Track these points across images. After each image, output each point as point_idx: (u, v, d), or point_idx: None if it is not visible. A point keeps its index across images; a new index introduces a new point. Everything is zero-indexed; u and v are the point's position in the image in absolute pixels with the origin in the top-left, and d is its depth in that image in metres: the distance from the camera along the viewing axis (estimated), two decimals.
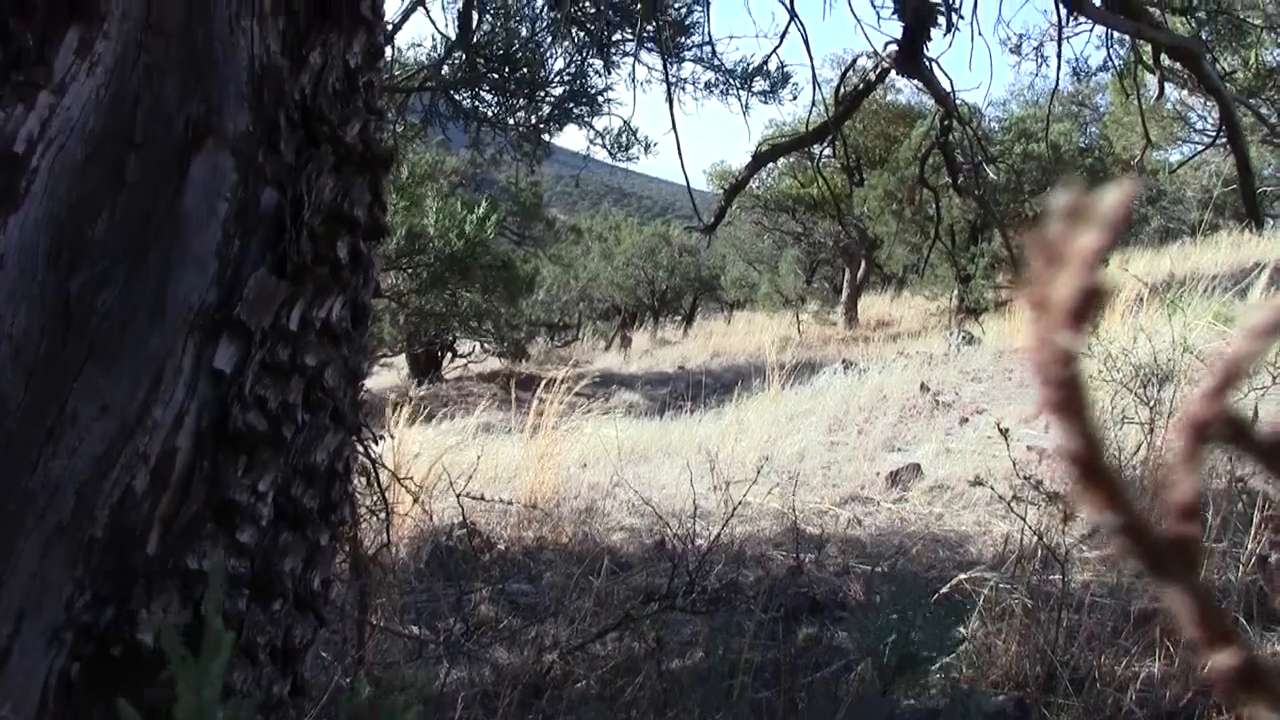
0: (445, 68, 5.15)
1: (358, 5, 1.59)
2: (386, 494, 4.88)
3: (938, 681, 4.19)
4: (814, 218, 23.06)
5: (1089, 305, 0.27)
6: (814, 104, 5.85)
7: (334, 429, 1.61)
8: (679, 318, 28.70)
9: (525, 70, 5.10)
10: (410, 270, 9.80)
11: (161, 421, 1.38)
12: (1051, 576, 4.32)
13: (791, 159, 19.34)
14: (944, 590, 4.43)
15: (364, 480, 3.89)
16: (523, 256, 20.73)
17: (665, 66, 5.45)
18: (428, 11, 4.94)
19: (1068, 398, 0.28)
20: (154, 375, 1.38)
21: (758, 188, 22.69)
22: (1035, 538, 4.47)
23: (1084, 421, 0.29)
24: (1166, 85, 7.48)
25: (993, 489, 5.25)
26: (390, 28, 4.60)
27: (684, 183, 5.63)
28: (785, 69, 6.23)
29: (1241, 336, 0.29)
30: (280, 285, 1.48)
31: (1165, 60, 5.83)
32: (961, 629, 4.25)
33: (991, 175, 7.53)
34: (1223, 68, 7.01)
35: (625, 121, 6.49)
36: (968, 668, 4.21)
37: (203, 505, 1.42)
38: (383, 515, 4.19)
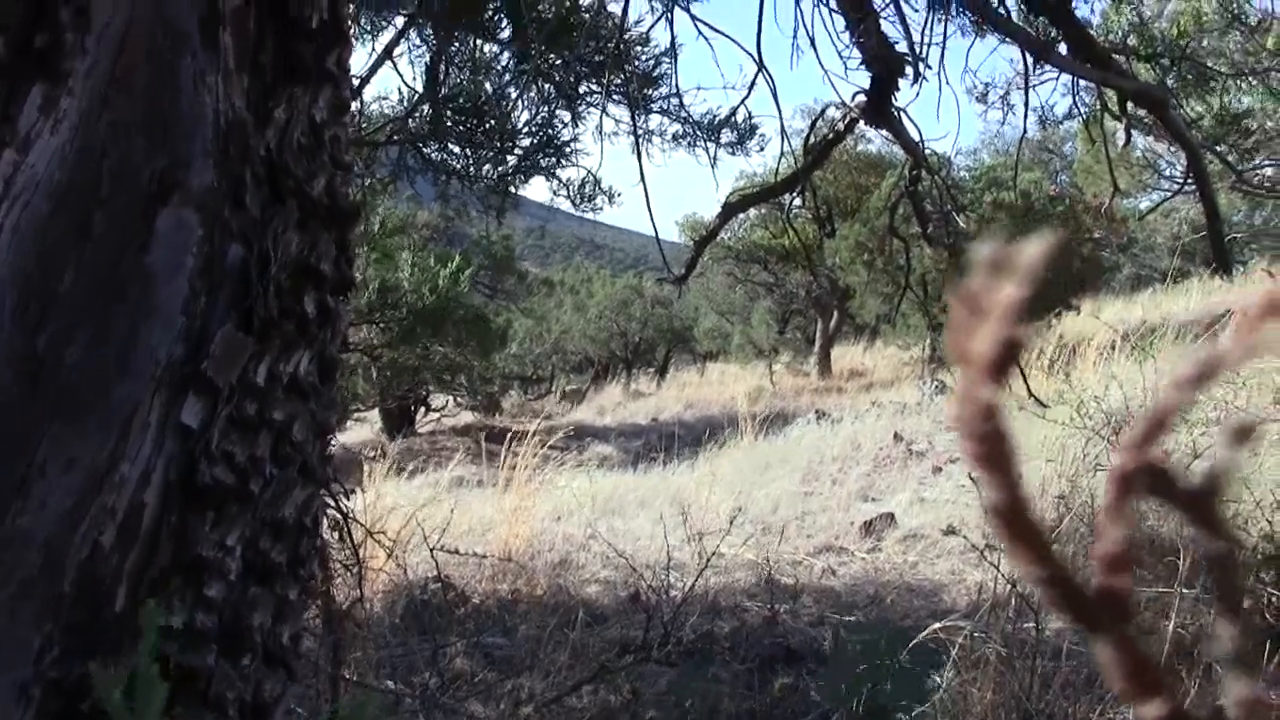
0: (412, 120, 5.18)
1: (323, 60, 1.60)
2: (360, 549, 4.86)
3: None
4: (786, 268, 23.15)
5: (1008, 358, 0.28)
6: (782, 154, 5.90)
7: (302, 483, 1.61)
8: (652, 369, 28.70)
9: (493, 122, 5.13)
10: (382, 324, 9.80)
11: (129, 476, 1.38)
12: (1025, 625, 4.32)
13: (763, 210, 19.43)
14: (918, 639, 4.43)
15: (337, 535, 3.88)
16: (495, 310, 20.74)
17: (633, 118, 5.49)
18: (394, 65, 4.97)
19: (991, 450, 0.29)
20: (121, 430, 1.37)
21: (730, 239, 22.78)
22: (1009, 586, 4.48)
23: (1008, 474, 0.29)
24: (1134, 132, 7.55)
25: (966, 538, 5.27)
26: (357, 81, 4.62)
27: (656, 234, 5.66)
28: (753, 120, 6.28)
29: (1168, 387, 0.30)
30: (247, 340, 1.48)
31: (1131, 107, 5.89)
32: (936, 678, 4.25)
33: (962, 224, 7.58)
34: (1188, 115, 7.09)
35: (590, 172, 6.52)
36: (943, 716, 4.21)
37: (171, 560, 1.41)
38: (356, 570, 4.17)
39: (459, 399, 19.27)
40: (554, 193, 6.58)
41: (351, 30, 4.80)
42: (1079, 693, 4.08)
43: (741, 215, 21.02)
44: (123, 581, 1.37)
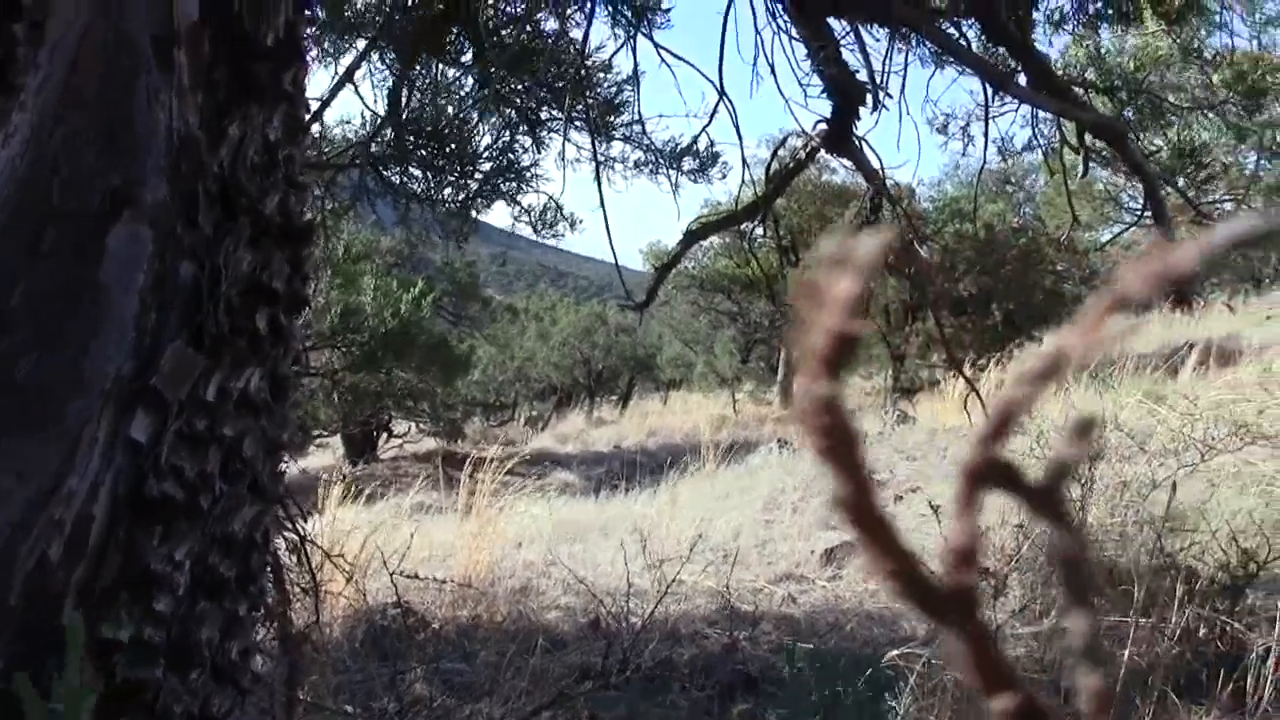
0: (374, 144, 5.17)
1: (279, 80, 1.61)
2: (318, 573, 4.84)
3: None
4: (749, 298, 23.20)
5: (843, 350, 0.28)
6: (744, 182, 5.94)
7: (252, 499, 1.61)
8: (615, 397, 28.68)
9: (453, 146, 5.13)
10: (344, 349, 9.76)
11: (77, 490, 1.38)
12: None
13: (726, 239, 19.49)
14: (877, 667, 4.44)
15: (295, 557, 3.86)
16: (459, 336, 20.68)
17: (594, 145, 5.50)
18: (355, 89, 4.97)
19: (835, 443, 0.29)
20: (70, 444, 1.37)
21: (693, 268, 22.82)
22: None
23: (852, 466, 0.30)
24: (1094, 165, 7.63)
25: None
26: (318, 104, 4.62)
27: (622, 262, 5.67)
28: (714, 148, 6.30)
29: (1015, 382, 0.30)
30: (197, 357, 1.48)
31: (1089, 139, 5.94)
32: (894, 705, 4.26)
33: (924, 254, 7.63)
34: (1146, 148, 7.16)
35: (551, 198, 6.53)
36: None
37: (118, 574, 1.41)
38: (312, 592, 4.15)
39: (421, 425, 19.20)
40: (515, 219, 6.58)
41: (312, 52, 4.80)
42: None
43: (706, 244, 21.10)
44: (70, 594, 1.37)
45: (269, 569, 2.98)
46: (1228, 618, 4.52)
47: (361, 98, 5.52)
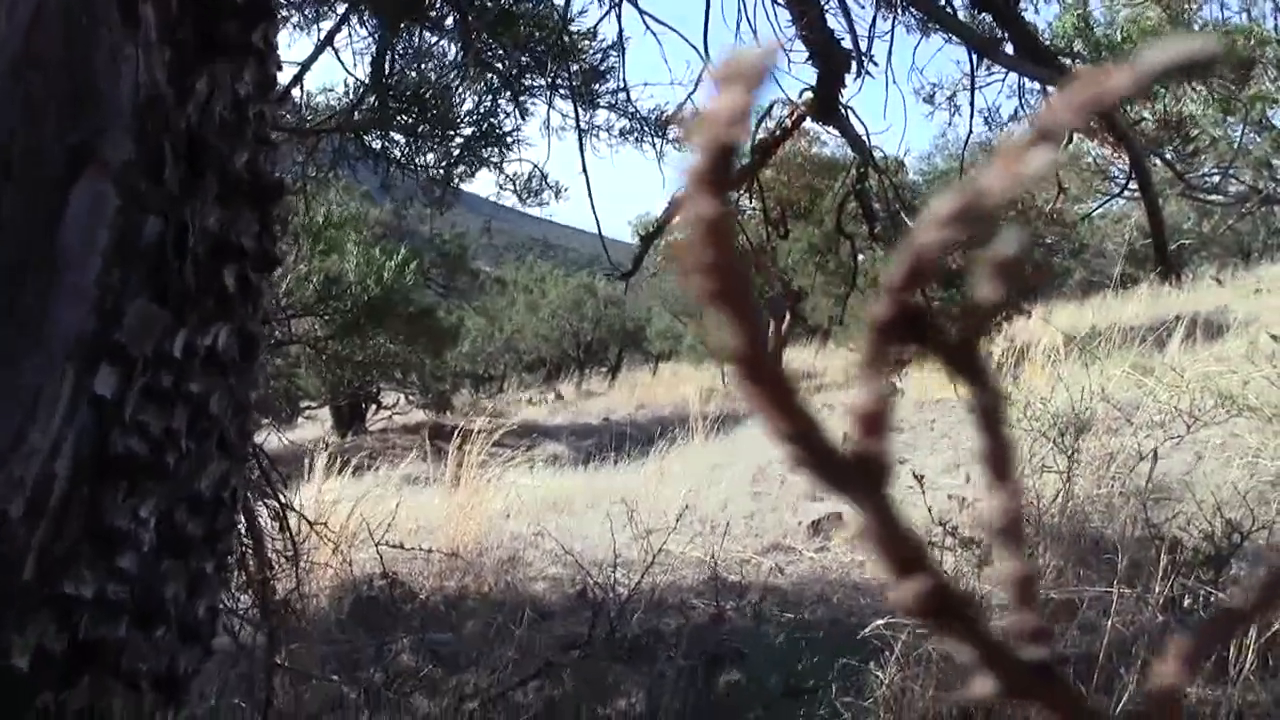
0: (358, 112, 5.14)
1: (248, 35, 1.59)
2: (304, 543, 4.84)
3: None
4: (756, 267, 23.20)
5: (723, 167, 0.26)
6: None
7: (220, 457, 1.60)
8: (604, 369, 28.65)
9: (434, 111, 5.10)
10: (326, 316, 9.68)
11: (38, 448, 1.37)
12: None
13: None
14: (861, 636, 4.46)
15: (277, 525, 3.86)
16: (448, 308, 20.64)
17: (576, 112, 5.48)
18: (337, 53, 4.94)
19: (725, 286, 0.26)
20: (30, 402, 1.36)
21: (683, 239, 22.80)
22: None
23: (745, 314, 0.27)
24: (1080, 137, 7.62)
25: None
26: (297, 68, 4.59)
27: (610, 235, 5.66)
28: (700, 116, 6.25)
29: (926, 226, 0.28)
30: (163, 313, 1.47)
31: None
32: (879, 675, 4.28)
33: (910, 224, 7.60)
34: (1132, 118, 7.17)
35: (536, 166, 6.50)
36: (885, 712, 4.23)
37: (81, 531, 1.40)
38: (293, 559, 4.16)
39: (410, 397, 19.18)
40: (500, 186, 6.56)
41: (294, 18, 4.77)
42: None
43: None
44: (31, 552, 1.36)
45: (247, 535, 2.98)
46: (1211, 588, 4.54)
47: (342, 63, 5.48)
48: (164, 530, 1.51)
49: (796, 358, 24.30)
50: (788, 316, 23.34)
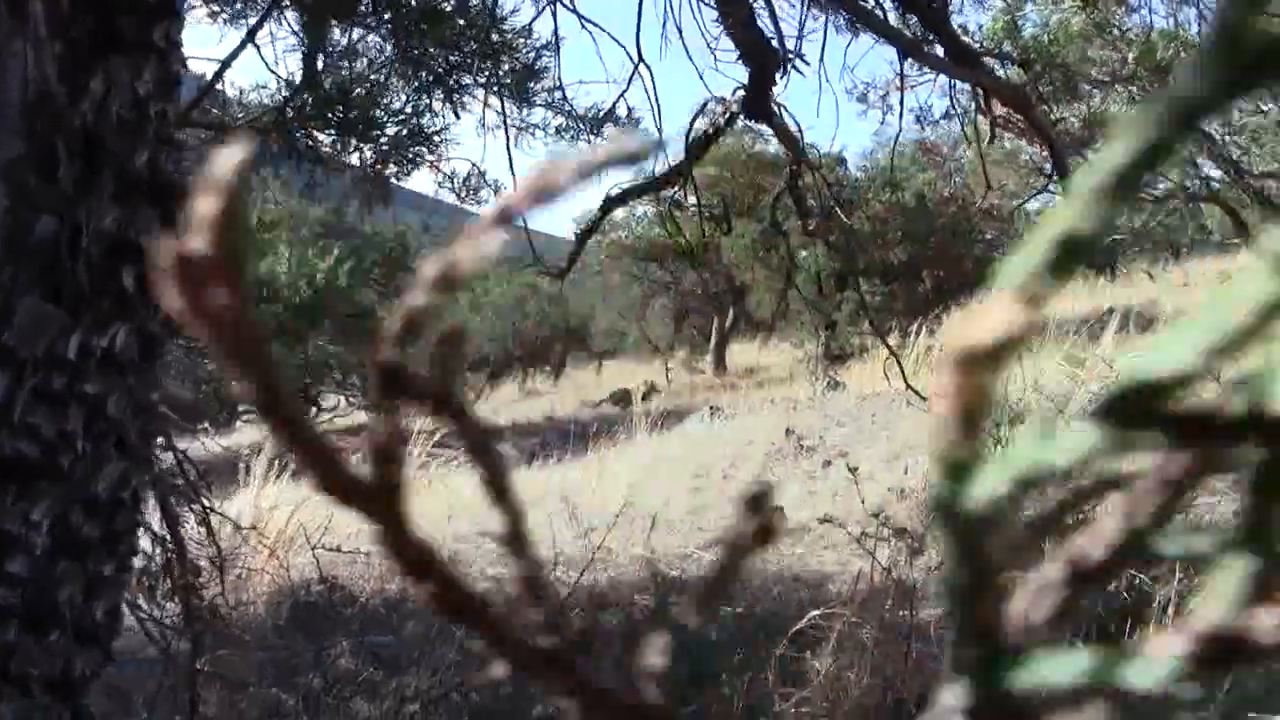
0: (289, 109, 5.11)
1: (148, 32, 1.57)
2: (237, 548, 4.80)
3: (792, 716, 4.25)
4: (682, 266, 23.19)
5: (232, 250, 0.26)
6: (661, 148, 5.91)
7: (118, 458, 1.57)
8: (548, 368, 28.63)
9: (361, 110, 5.08)
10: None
11: None
12: (901, 611, 4.41)
13: (660, 208, 19.51)
14: (799, 626, 4.50)
15: (204, 531, 3.83)
16: (389, 307, 20.54)
17: (504, 111, 5.48)
18: (259, 50, 4.90)
19: (241, 340, 0.27)
20: None
21: (626, 237, 22.80)
22: (885, 573, 4.58)
23: (264, 366, 0.28)
24: (1010, 136, 7.74)
25: (841, 526, 5.34)
26: (218, 65, 4.54)
27: (555, 233, 5.68)
28: (634, 114, 6.30)
29: (414, 289, 0.30)
30: (57, 313, 1.45)
31: (1001, 109, 6.01)
32: (816, 664, 4.32)
33: (845, 220, 7.67)
34: (1058, 118, 7.28)
35: (474, 164, 6.50)
36: (822, 701, 4.28)
37: None
38: (230, 567, 4.13)
39: (350, 399, 19.09)
40: (439, 185, 6.55)
41: (221, 11, 4.73)
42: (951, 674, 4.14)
43: (638, 213, 21.08)
44: None
45: (171, 541, 2.95)
46: (1135, 570, 4.62)
47: (265, 60, 5.45)
48: (59, 533, 1.48)
49: (741, 352, 24.39)
50: (731, 312, 23.42)
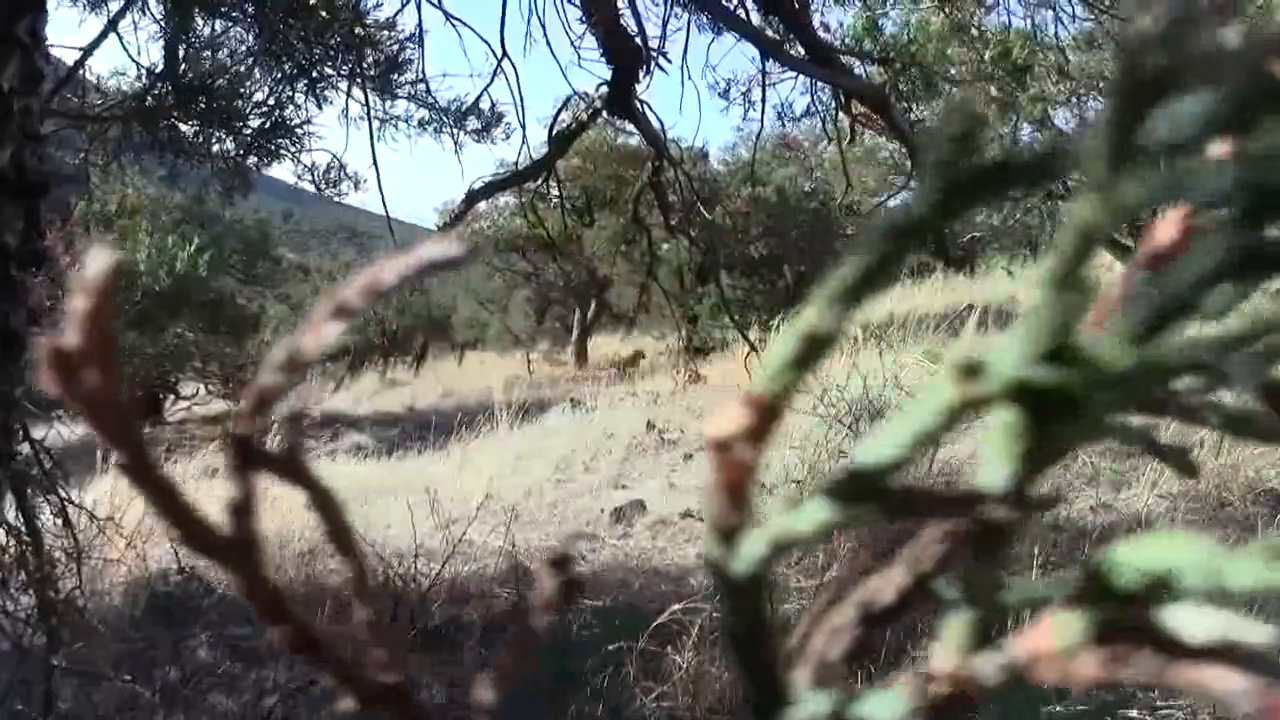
0: (150, 98, 5.03)
1: (11, 28, 1.56)
2: (93, 539, 4.72)
3: (654, 710, 4.29)
4: (545, 258, 23.15)
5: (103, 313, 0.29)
6: (524, 143, 5.97)
7: None
8: (409, 358, 28.38)
9: (223, 101, 5.02)
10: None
11: None
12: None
13: (521, 199, 19.44)
14: (659, 621, 4.54)
15: (61, 521, 3.77)
16: (248, 295, 20.25)
17: (367, 104, 5.46)
18: (121, 39, 4.82)
19: (105, 411, 0.30)
20: None
21: (488, 228, 22.69)
22: None
23: (126, 432, 0.31)
24: (871, 133, 7.90)
25: (701, 520, 5.42)
26: (79, 53, 4.47)
27: (419, 222, 5.67)
28: (497, 108, 6.31)
29: (265, 369, 0.33)
30: None
31: (860, 108, 6.14)
32: (677, 659, 4.37)
33: (707, 216, 7.77)
34: (916, 116, 7.45)
35: (335, 156, 6.47)
36: (683, 695, 4.32)
37: None
38: (87, 559, 4.06)
39: (210, 387, 18.73)
40: (299, 177, 6.50)
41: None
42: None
43: (501, 204, 20.98)
44: None
45: (26, 533, 2.91)
46: None
47: (126, 48, 5.36)
48: None
49: (603, 345, 24.42)
50: (594, 304, 23.45)
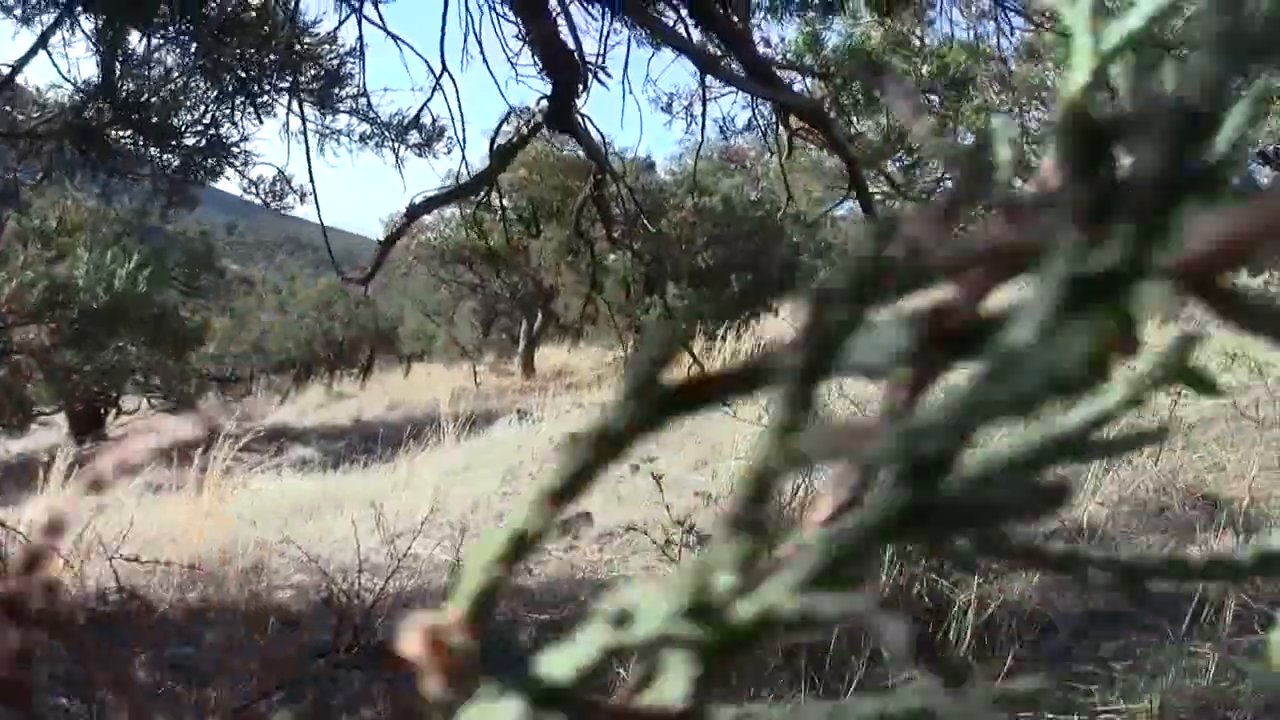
0: (87, 113, 5.00)
1: None
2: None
3: None
4: (491, 269, 23.10)
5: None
6: (463, 159, 6.00)
7: None
8: (356, 370, 28.24)
9: (158, 119, 5.00)
10: (53, 324, 9.28)
11: None
12: None
13: (467, 211, 19.41)
14: None
15: None
16: (192, 308, 20.09)
17: (303, 119, 5.46)
18: (50, 55, 4.78)
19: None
20: None
21: (435, 239, 22.61)
22: None
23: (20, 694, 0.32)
24: (812, 146, 7.98)
25: (645, 533, 5.42)
26: (8, 70, 4.43)
27: (365, 234, 5.67)
28: (438, 123, 6.33)
29: (39, 531, 0.34)
30: None
31: (798, 122, 6.20)
32: (620, 671, 4.38)
33: (650, 229, 7.80)
34: (856, 130, 7.52)
35: (280, 170, 6.47)
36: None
37: None
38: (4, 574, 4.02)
39: (153, 401, 18.56)
40: (244, 190, 6.49)
41: (14, 8, 4.60)
42: (751, 680, 4.26)
43: (447, 215, 20.94)
44: None
45: None
46: (936, 575, 4.79)
47: (57, 66, 5.30)
48: None
49: (550, 356, 24.40)
50: (540, 315, 23.43)
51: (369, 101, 6.02)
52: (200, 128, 5.34)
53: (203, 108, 5.42)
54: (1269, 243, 0.24)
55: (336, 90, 5.83)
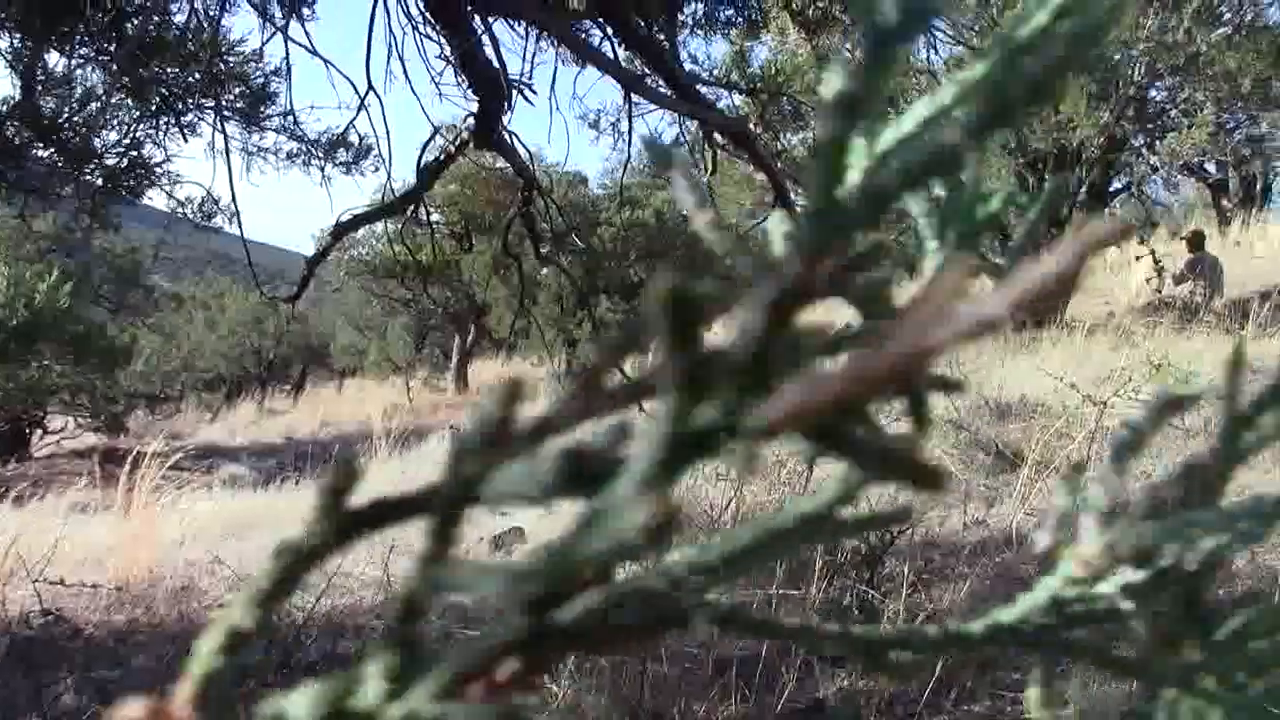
0: (7, 130, 4.95)
1: None
2: None
3: None
4: (422, 284, 23.05)
5: None
6: (389, 177, 6.00)
7: None
8: (287, 387, 28.06)
9: (77, 139, 4.97)
10: None
11: None
12: None
13: (398, 226, 19.35)
14: None
15: None
16: (119, 325, 19.88)
17: (225, 135, 5.44)
18: None
19: None
20: None
21: (366, 254, 22.53)
22: None
23: None
24: (738, 161, 8.06)
25: None
26: None
27: (294, 250, 5.65)
28: (366, 140, 6.33)
29: None
30: None
31: (723, 139, 6.26)
32: (553, 686, 4.39)
33: (580, 243, 7.84)
34: (783, 145, 7.60)
35: (207, 190, 6.45)
36: None
37: None
38: None
39: (80, 420, 18.33)
40: (171, 211, 6.46)
41: None
42: (684, 692, 4.29)
43: (378, 230, 20.88)
44: None
45: None
46: (866, 586, 4.84)
47: None
48: None
49: (483, 370, 24.35)
50: (473, 329, 23.39)
51: (295, 120, 6.01)
52: (122, 148, 5.30)
53: (126, 127, 5.39)
54: (835, 409, 0.28)
55: (262, 108, 5.82)
